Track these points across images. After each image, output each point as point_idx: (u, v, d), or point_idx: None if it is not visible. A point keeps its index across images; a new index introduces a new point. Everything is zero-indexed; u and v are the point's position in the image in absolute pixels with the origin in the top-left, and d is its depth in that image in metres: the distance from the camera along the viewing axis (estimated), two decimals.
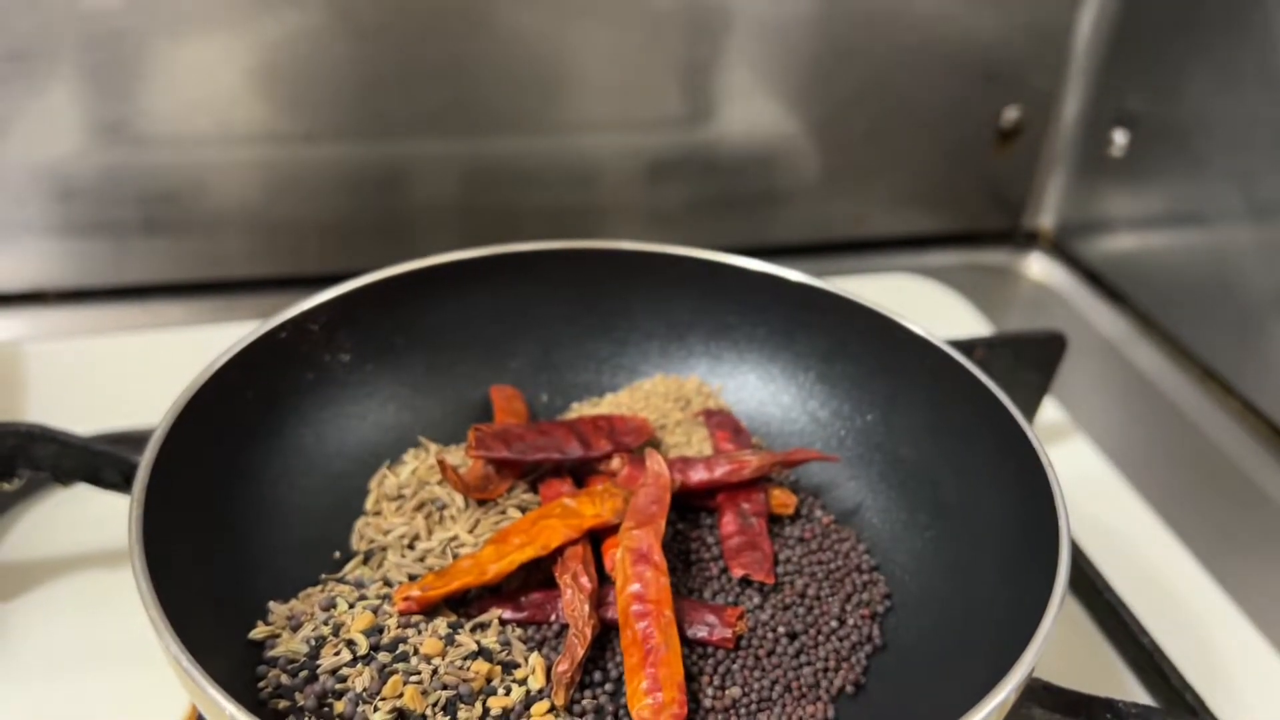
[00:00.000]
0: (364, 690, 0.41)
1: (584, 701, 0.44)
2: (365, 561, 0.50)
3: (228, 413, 0.50)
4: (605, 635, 0.46)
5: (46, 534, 0.58)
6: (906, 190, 0.93)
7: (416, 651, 0.43)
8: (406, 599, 0.45)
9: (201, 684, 0.36)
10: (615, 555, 0.47)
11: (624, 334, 0.62)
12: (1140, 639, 0.55)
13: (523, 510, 0.52)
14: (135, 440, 0.48)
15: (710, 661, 0.46)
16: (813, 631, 0.48)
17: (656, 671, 0.42)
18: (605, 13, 0.78)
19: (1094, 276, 0.91)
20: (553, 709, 0.43)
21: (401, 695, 0.41)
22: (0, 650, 0.52)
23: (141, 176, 0.76)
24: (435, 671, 0.42)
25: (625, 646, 0.44)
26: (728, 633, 0.46)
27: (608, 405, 0.60)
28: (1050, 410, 0.74)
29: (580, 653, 0.44)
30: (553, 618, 0.47)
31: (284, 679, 0.42)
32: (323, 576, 0.49)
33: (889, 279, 0.88)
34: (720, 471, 0.53)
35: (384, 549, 0.50)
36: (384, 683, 0.41)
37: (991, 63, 0.87)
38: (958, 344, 0.55)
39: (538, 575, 0.48)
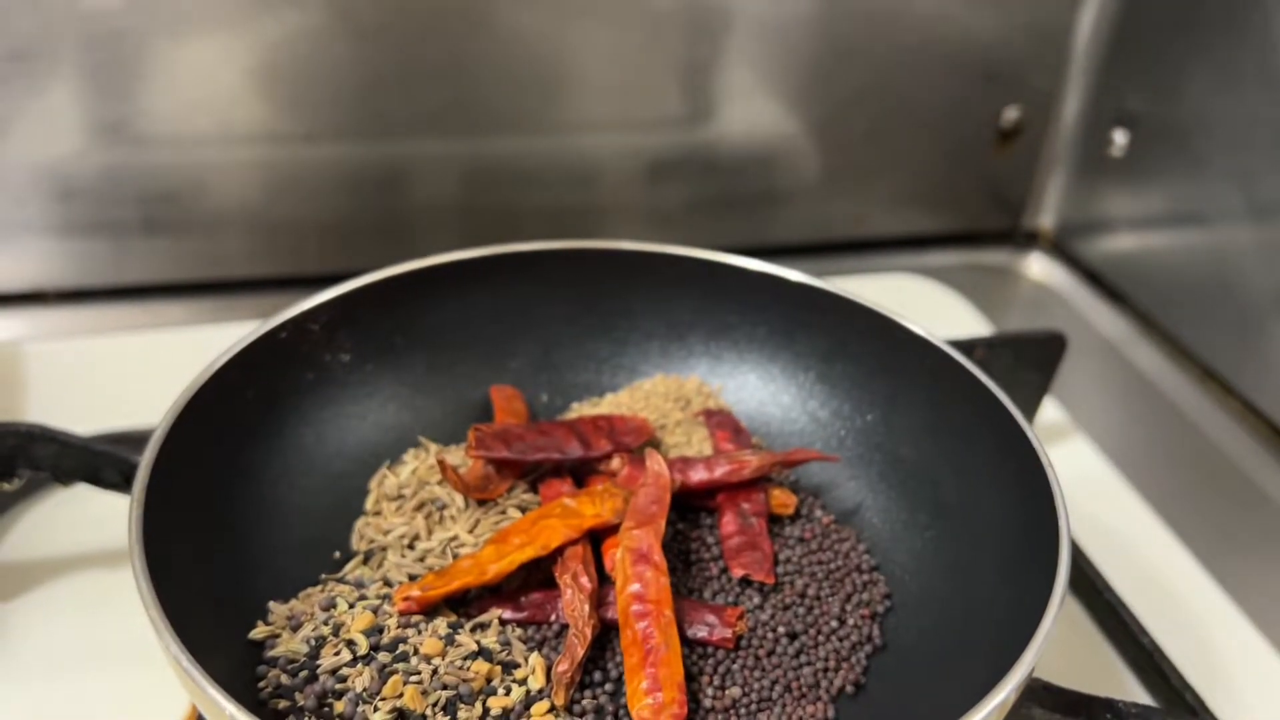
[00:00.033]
0: (364, 690, 0.41)
1: (584, 701, 0.44)
2: (365, 561, 0.50)
3: (228, 413, 0.50)
4: (605, 635, 0.46)
5: (46, 534, 0.58)
6: (906, 190, 0.93)
7: (416, 651, 0.43)
8: (406, 599, 0.45)
9: (201, 684, 0.36)
10: (615, 555, 0.47)
11: (624, 334, 0.62)
12: (1140, 639, 0.55)
13: (523, 510, 0.52)
14: (135, 440, 0.48)
15: (710, 661, 0.46)
16: (813, 631, 0.48)
17: (656, 671, 0.42)
18: (605, 13, 0.78)
19: (1094, 276, 0.91)
20: (553, 709, 0.43)
21: (401, 695, 0.41)
22: (0, 650, 0.52)
23: (141, 176, 0.76)
24: (435, 671, 0.42)
25: (625, 646, 0.44)
26: (728, 633, 0.46)
27: (608, 405, 0.60)
28: (1050, 410, 0.74)
29: (580, 653, 0.44)
30: (553, 618, 0.47)
31: (284, 679, 0.42)
32: (323, 576, 0.49)
33: (889, 279, 0.88)
34: (720, 471, 0.53)
35: (384, 549, 0.50)
36: (384, 683, 0.41)
37: (991, 63, 0.87)
38: (958, 344, 0.55)
39: (538, 575, 0.48)
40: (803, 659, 0.47)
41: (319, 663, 0.43)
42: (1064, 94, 0.90)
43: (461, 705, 0.42)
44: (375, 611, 0.45)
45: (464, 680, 0.42)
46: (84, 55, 0.71)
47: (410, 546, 0.50)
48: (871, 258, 0.94)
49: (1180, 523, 0.66)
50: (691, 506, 0.54)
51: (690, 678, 0.45)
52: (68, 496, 0.59)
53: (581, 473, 0.54)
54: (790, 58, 0.83)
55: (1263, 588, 0.63)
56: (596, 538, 0.49)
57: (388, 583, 0.48)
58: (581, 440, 0.54)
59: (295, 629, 0.45)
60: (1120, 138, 0.86)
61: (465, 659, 0.43)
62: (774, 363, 0.61)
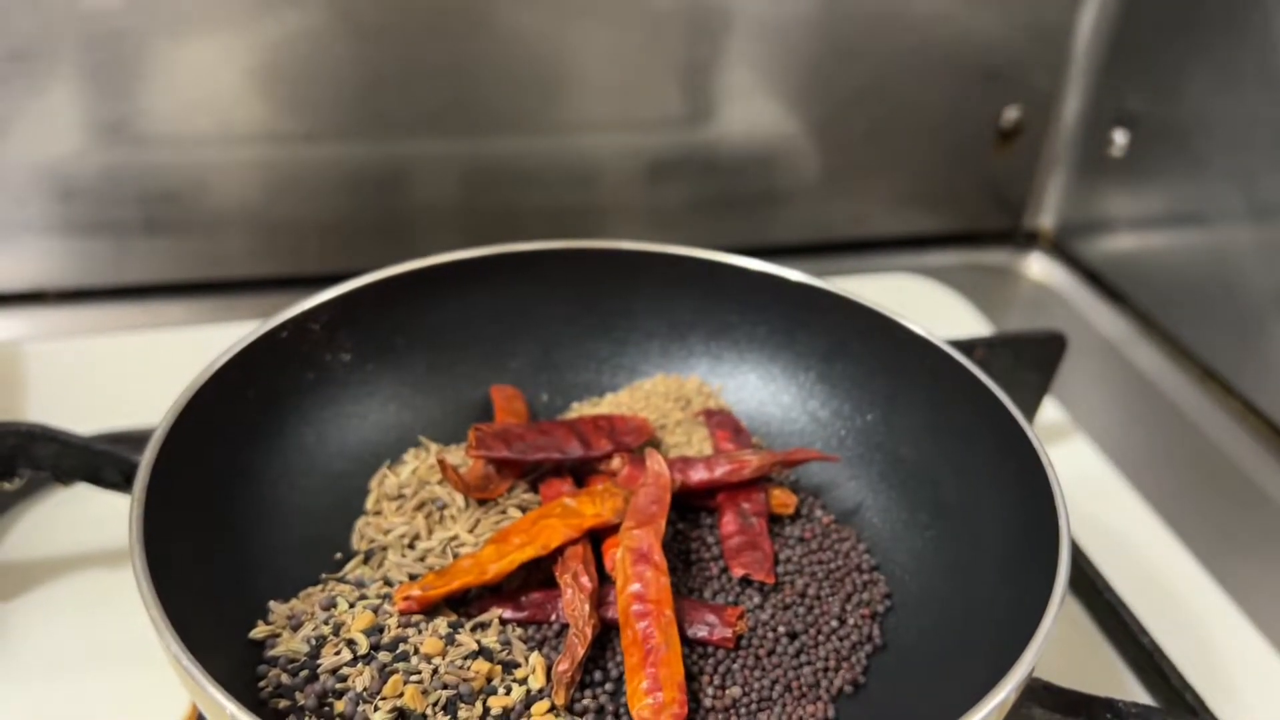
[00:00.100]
0: (364, 690, 0.41)
1: (584, 701, 0.44)
2: (365, 561, 0.50)
3: (228, 412, 0.50)
4: (605, 635, 0.46)
5: (46, 534, 0.58)
6: (906, 190, 0.93)
7: (417, 651, 0.43)
8: (407, 598, 0.45)
9: (202, 683, 0.36)
10: (615, 555, 0.47)
11: (624, 334, 0.62)
12: (1140, 639, 0.55)
13: (523, 510, 0.52)
14: (135, 440, 0.48)
15: (710, 661, 0.46)
16: (813, 631, 0.48)
17: (657, 671, 0.42)
18: (605, 13, 0.78)
19: (1094, 276, 0.91)
20: (553, 708, 0.43)
21: (402, 695, 0.41)
22: (0, 650, 0.52)
23: (142, 176, 0.76)
24: (435, 671, 0.42)
25: (625, 646, 0.44)
26: (728, 632, 0.46)
27: (608, 405, 0.60)
28: (1050, 410, 0.74)
29: (580, 652, 0.44)
30: (553, 617, 0.47)
31: (284, 678, 0.42)
32: (323, 576, 0.49)
33: (889, 279, 0.88)
34: (720, 471, 0.53)
35: (384, 548, 0.50)
36: (384, 682, 0.42)
37: (991, 63, 0.87)
38: (958, 344, 0.55)
39: (538, 575, 0.48)
40: (803, 659, 0.47)
41: (319, 662, 0.43)
42: (1064, 94, 0.90)
43: (462, 705, 0.42)
44: (376, 611, 0.45)
45: (464, 680, 0.42)
46: (84, 55, 0.71)
47: (410, 546, 0.50)
48: (871, 258, 0.94)
49: (1180, 523, 0.66)
50: (691, 506, 0.54)
51: (690, 677, 0.45)
52: (68, 496, 0.60)
53: (582, 472, 0.54)
54: (790, 58, 0.83)
55: (1263, 588, 0.63)
56: (597, 537, 0.49)
57: (388, 582, 0.48)
58: (582, 440, 0.54)
59: (296, 628, 0.45)
60: (1120, 138, 0.86)
61: (465, 658, 0.43)
62: (774, 362, 0.61)
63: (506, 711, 0.42)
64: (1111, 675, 0.56)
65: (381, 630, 0.44)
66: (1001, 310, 0.90)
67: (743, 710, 0.45)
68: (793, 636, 0.48)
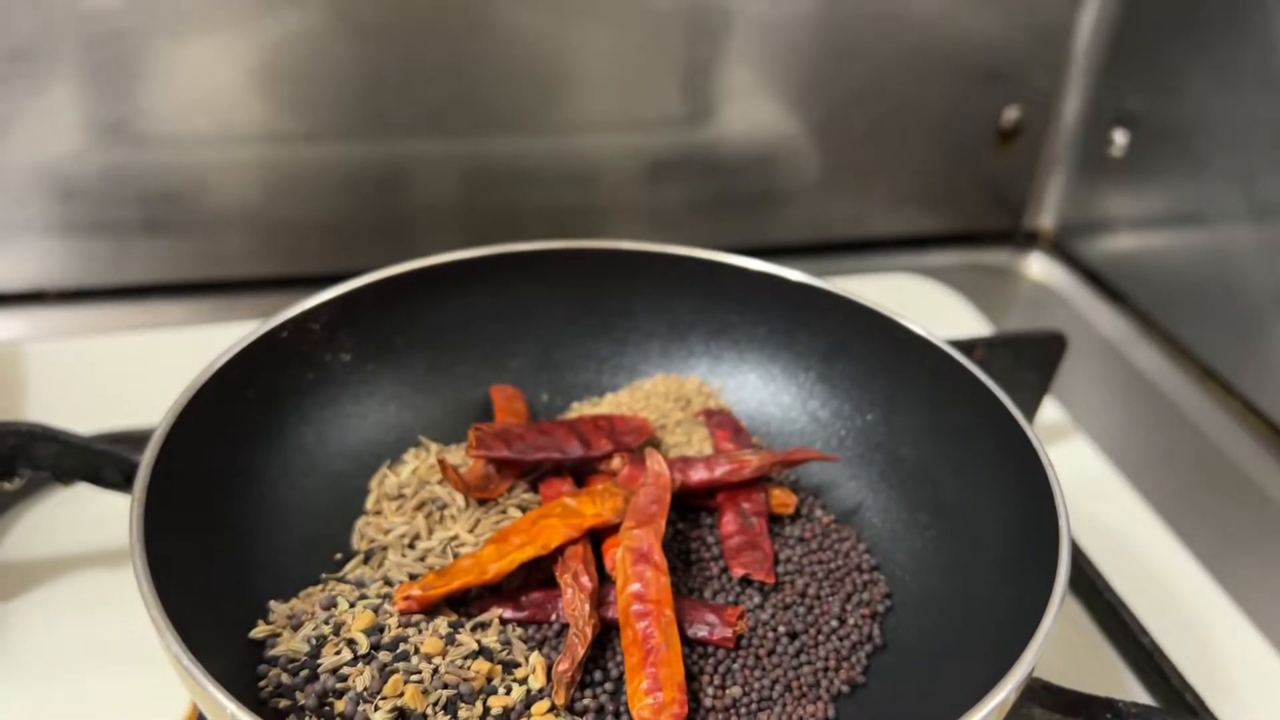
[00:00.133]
0: (365, 689, 0.41)
1: (584, 701, 0.44)
2: (366, 561, 0.50)
3: (228, 412, 0.50)
4: (605, 635, 0.46)
5: (46, 534, 0.58)
6: (906, 190, 0.93)
7: (417, 651, 0.43)
8: (407, 598, 0.45)
9: (202, 683, 0.36)
10: (615, 555, 0.47)
11: (624, 334, 0.62)
12: (1140, 639, 0.55)
13: (523, 510, 0.52)
14: (136, 440, 0.48)
15: (710, 661, 0.46)
16: (813, 631, 0.48)
17: (657, 671, 0.42)
18: (605, 13, 0.78)
19: (1094, 276, 0.91)
20: (553, 708, 0.43)
21: (402, 694, 0.41)
22: (0, 650, 0.52)
23: (142, 176, 0.76)
24: (436, 671, 0.42)
25: (626, 646, 0.44)
26: (728, 632, 0.46)
27: (608, 405, 0.60)
28: (1050, 410, 0.74)
29: (581, 652, 0.44)
30: (553, 617, 0.47)
31: (285, 678, 0.42)
32: (323, 576, 0.49)
33: (889, 279, 0.88)
34: (720, 471, 0.53)
35: (384, 548, 0.50)
36: (385, 682, 0.42)
37: (991, 63, 0.87)
38: (958, 344, 0.55)
39: (538, 575, 0.48)
40: (803, 658, 0.47)
41: (320, 662, 0.43)
42: (1064, 94, 0.90)
43: (462, 704, 0.42)
44: (376, 611, 0.45)
45: (464, 679, 0.42)
46: (84, 55, 0.71)
47: (411, 546, 0.50)
48: (871, 258, 0.94)
49: (1180, 523, 0.66)
50: (691, 506, 0.54)
51: (690, 677, 0.45)
52: (68, 496, 0.60)
53: (582, 472, 0.54)
54: (790, 58, 0.83)
55: (1263, 588, 0.63)
56: (597, 537, 0.49)
57: (388, 582, 0.48)
58: (582, 440, 0.54)
59: (296, 628, 0.45)
60: (1120, 138, 0.86)
61: (466, 658, 0.43)
62: (774, 362, 0.61)
63: (507, 711, 0.42)
64: (1111, 675, 0.56)
65: (382, 630, 0.44)
66: (1001, 310, 0.90)
67: (743, 710, 0.45)
68: (793, 636, 0.48)
